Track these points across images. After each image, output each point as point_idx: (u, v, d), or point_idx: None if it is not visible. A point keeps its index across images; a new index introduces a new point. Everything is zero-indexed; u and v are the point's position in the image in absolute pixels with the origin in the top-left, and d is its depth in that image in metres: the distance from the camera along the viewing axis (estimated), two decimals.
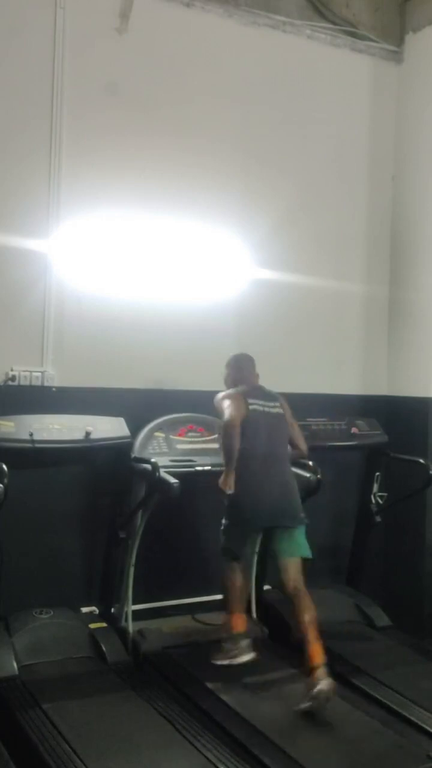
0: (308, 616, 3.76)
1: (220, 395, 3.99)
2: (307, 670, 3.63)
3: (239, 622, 4.05)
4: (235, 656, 3.95)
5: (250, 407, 3.92)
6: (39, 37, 4.25)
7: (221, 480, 3.84)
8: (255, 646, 4.05)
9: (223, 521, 3.96)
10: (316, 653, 3.66)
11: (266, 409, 3.98)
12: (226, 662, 3.94)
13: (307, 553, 3.92)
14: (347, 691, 3.83)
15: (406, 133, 5.36)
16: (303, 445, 4.14)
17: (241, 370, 4.14)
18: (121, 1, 4.42)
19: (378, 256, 5.39)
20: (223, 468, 3.87)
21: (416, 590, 5.02)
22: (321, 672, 3.59)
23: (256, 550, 4.40)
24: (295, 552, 3.91)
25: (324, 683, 3.55)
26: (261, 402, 3.98)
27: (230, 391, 4.02)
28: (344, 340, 5.29)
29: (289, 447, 4.08)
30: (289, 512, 3.90)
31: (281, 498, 3.88)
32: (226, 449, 3.83)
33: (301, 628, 3.75)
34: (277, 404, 4.05)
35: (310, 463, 4.23)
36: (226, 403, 3.90)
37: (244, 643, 4.00)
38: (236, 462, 3.81)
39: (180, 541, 4.53)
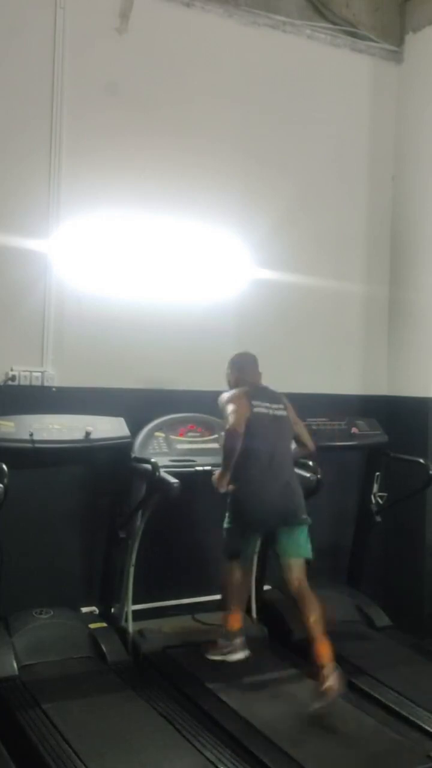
0: (314, 615, 3.75)
1: (225, 396, 3.97)
2: (316, 669, 3.62)
3: (235, 620, 4.05)
4: (229, 653, 3.97)
5: (255, 409, 3.90)
6: (39, 37, 4.25)
7: (215, 477, 3.85)
8: (251, 645, 4.06)
9: (225, 521, 3.96)
10: (324, 651, 3.65)
11: (271, 411, 3.96)
12: (218, 658, 3.97)
13: (308, 554, 3.93)
14: (347, 691, 3.83)
15: (406, 133, 5.36)
16: (310, 442, 4.14)
17: (244, 370, 4.11)
18: (121, 1, 4.42)
19: (378, 256, 5.39)
20: (218, 467, 3.87)
21: (416, 590, 5.03)
22: (329, 668, 3.59)
23: (257, 550, 4.39)
24: (298, 552, 3.91)
25: (332, 679, 3.55)
26: (266, 404, 3.96)
27: (235, 391, 3.98)
28: (344, 340, 5.29)
29: (294, 445, 4.08)
30: (292, 512, 3.89)
31: (284, 498, 3.88)
32: (226, 452, 3.83)
33: (308, 627, 3.75)
34: (282, 406, 4.02)
35: (311, 463, 4.23)
36: (230, 408, 3.87)
37: (238, 641, 4.01)
38: (239, 463, 3.81)
39: (180, 541, 4.53)
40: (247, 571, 4.28)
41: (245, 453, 3.82)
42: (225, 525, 3.97)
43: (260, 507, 3.84)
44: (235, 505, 3.90)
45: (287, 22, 4.98)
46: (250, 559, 4.28)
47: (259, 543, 4.34)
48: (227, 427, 3.84)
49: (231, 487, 3.86)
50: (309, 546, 3.93)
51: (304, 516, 3.93)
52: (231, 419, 3.84)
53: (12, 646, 3.77)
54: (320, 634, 3.71)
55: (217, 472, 3.87)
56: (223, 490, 3.85)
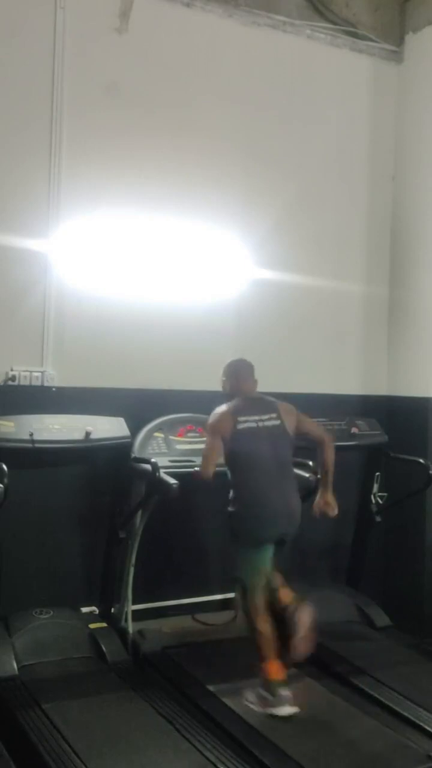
0: (279, 584, 3.74)
1: (210, 420, 3.88)
2: (288, 617, 3.61)
3: (275, 670, 3.61)
4: (273, 706, 3.53)
5: (240, 426, 3.80)
6: (39, 37, 4.25)
7: (195, 472, 3.84)
8: (252, 645, 3.68)
9: (240, 552, 3.82)
10: (286, 595, 3.68)
11: (260, 423, 3.85)
12: (260, 710, 3.55)
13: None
14: (347, 691, 3.83)
15: (406, 133, 5.36)
16: (325, 437, 4.06)
17: (238, 378, 4.03)
18: (121, 1, 4.42)
19: (378, 256, 5.39)
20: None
21: (416, 590, 5.02)
22: (293, 604, 3.61)
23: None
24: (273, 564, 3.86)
25: (301, 611, 3.57)
26: (255, 417, 3.85)
27: (218, 414, 3.87)
28: (344, 340, 5.29)
29: (295, 451, 4.02)
30: (291, 528, 3.85)
31: (285, 512, 3.80)
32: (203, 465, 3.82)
33: (274, 595, 3.72)
34: (274, 415, 3.90)
35: (310, 463, 4.21)
36: (206, 443, 3.85)
37: (285, 692, 3.55)
38: (237, 481, 3.79)
39: (180, 541, 4.53)
40: (271, 597, 3.80)
41: (240, 470, 3.79)
42: (239, 554, 3.81)
43: (266, 527, 3.76)
44: (239, 529, 3.81)
45: (287, 22, 4.98)
46: (270, 576, 3.84)
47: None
48: (201, 459, 3.82)
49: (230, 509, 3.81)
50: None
51: (295, 530, 3.87)
52: (202, 460, 3.81)
53: (12, 646, 3.77)
54: (281, 586, 3.73)
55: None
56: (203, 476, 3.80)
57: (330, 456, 4.05)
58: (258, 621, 3.67)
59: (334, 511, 4.05)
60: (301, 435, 4.01)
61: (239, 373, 4.05)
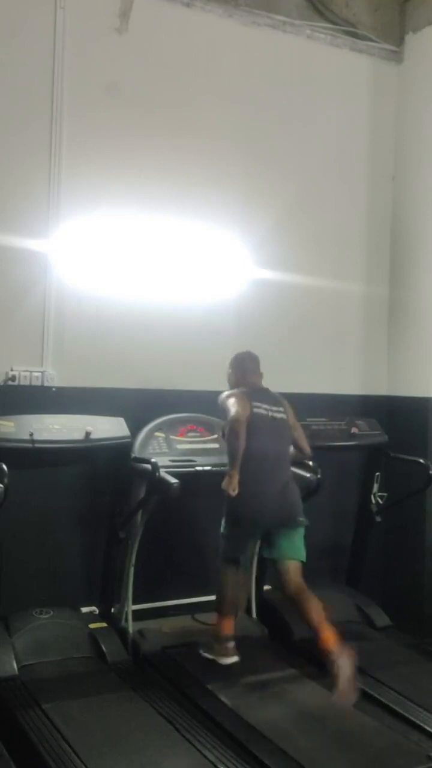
0: (316, 614, 3.75)
1: (225, 393, 3.96)
2: (325, 660, 3.65)
3: (228, 626, 4.03)
4: (221, 656, 3.98)
5: (255, 410, 3.88)
6: (39, 37, 4.25)
7: (225, 482, 3.78)
8: (251, 645, 4.11)
9: (222, 526, 3.95)
10: (329, 639, 3.67)
11: (270, 413, 3.94)
12: (210, 657, 3.99)
13: (303, 556, 3.93)
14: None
15: (406, 133, 5.36)
16: (307, 448, 4.12)
17: (245, 371, 4.08)
18: (121, 1, 4.42)
19: (378, 256, 5.39)
20: (224, 468, 3.86)
21: (416, 590, 5.02)
22: (336, 651, 3.61)
23: (255, 552, 4.38)
24: (294, 554, 3.91)
25: (342, 659, 3.57)
26: (266, 406, 3.94)
27: (235, 390, 3.97)
28: (344, 340, 5.29)
29: (292, 449, 4.06)
30: (289, 514, 3.90)
31: (281, 500, 3.87)
32: (232, 448, 3.77)
33: (313, 626, 3.75)
34: (281, 409, 4.01)
35: (310, 463, 4.23)
36: (232, 401, 3.86)
37: (230, 645, 4.01)
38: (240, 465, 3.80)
39: (180, 542, 4.53)
40: (246, 575, 4.28)
41: (243, 454, 3.81)
42: (222, 530, 3.96)
43: (257, 509, 3.83)
44: (232, 508, 3.87)
45: (287, 22, 4.98)
46: (249, 563, 4.27)
47: (258, 545, 4.32)
48: (229, 417, 3.79)
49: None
50: (303, 549, 3.94)
51: (301, 518, 3.92)
52: (232, 411, 3.80)
53: (12, 646, 3.77)
54: (325, 628, 3.71)
55: (226, 476, 3.79)
56: (234, 492, 3.74)
57: (298, 458, 4.13)
58: (228, 579, 4.00)
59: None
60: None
61: (246, 366, 4.11)
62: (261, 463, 3.83)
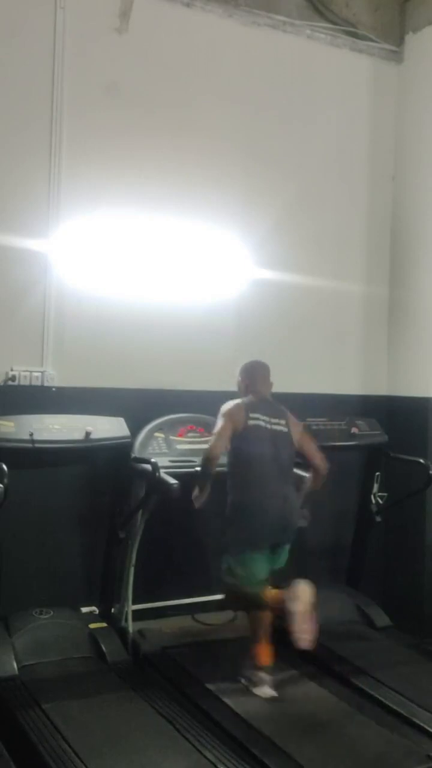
0: (298, 602, 3.67)
1: (223, 408, 3.92)
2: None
3: (262, 655, 3.82)
4: (254, 686, 3.75)
5: (251, 422, 3.85)
6: (39, 37, 4.25)
7: (194, 494, 3.85)
8: (244, 646, 3.87)
9: (230, 552, 3.87)
10: (276, 595, 3.68)
11: (269, 425, 3.90)
12: (245, 683, 3.78)
13: (284, 563, 3.96)
14: (347, 691, 3.83)
15: (406, 133, 5.36)
16: (318, 461, 4.04)
17: (254, 379, 4.06)
18: (121, 1, 4.42)
19: (378, 256, 5.39)
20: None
21: (416, 590, 5.02)
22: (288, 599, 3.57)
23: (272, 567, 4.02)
24: (277, 566, 3.93)
25: (294, 603, 3.53)
26: (265, 417, 3.90)
27: (233, 404, 3.93)
28: (344, 340, 5.29)
29: (304, 472, 4.06)
30: (286, 533, 3.89)
31: (281, 515, 3.83)
32: (200, 473, 3.84)
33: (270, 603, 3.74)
34: (282, 421, 3.95)
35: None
36: (218, 425, 3.86)
37: (266, 678, 3.75)
38: (236, 475, 3.83)
39: (180, 541, 4.53)
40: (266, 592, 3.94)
41: (241, 469, 3.82)
42: (231, 554, 3.87)
43: (260, 522, 3.79)
44: (234, 525, 3.84)
45: (287, 22, 4.98)
46: (267, 581, 3.92)
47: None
48: (207, 447, 3.85)
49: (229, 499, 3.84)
50: (286, 557, 3.96)
51: (294, 536, 3.92)
52: (212, 440, 3.85)
53: (12, 646, 3.77)
54: (270, 593, 3.74)
55: (197, 487, 3.85)
56: (197, 504, 3.85)
57: (317, 483, 4.09)
58: (252, 602, 3.82)
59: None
60: (301, 452, 4.05)
61: (255, 375, 4.09)
62: (258, 476, 3.81)
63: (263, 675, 3.75)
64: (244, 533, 3.82)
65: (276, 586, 3.84)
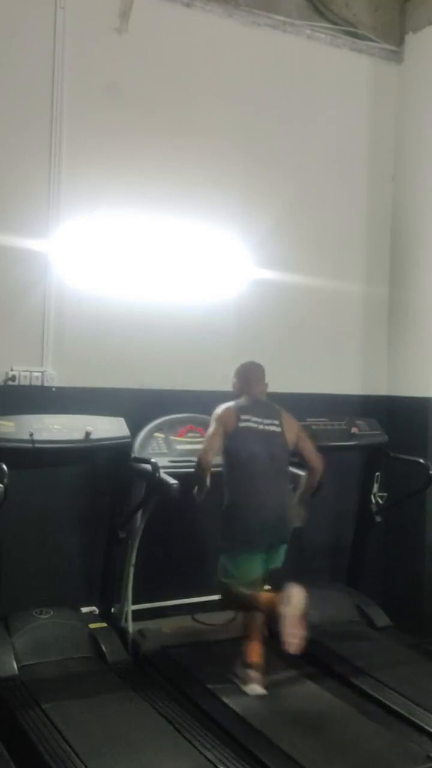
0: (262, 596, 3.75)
1: (215, 413, 3.95)
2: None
3: (252, 652, 3.84)
4: (243, 683, 3.78)
5: (242, 424, 3.87)
6: (39, 37, 4.25)
7: (195, 491, 3.88)
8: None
9: (223, 554, 3.91)
10: (271, 599, 3.69)
11: (261, 426, 3.91)
12: (236, 680, 3.80)
13: (281, 563, 3.97)
14: (347, 691, 3.83)
15: (406, 133, 5.36)
16: (315, 461, 4.05)
17: (248, 381, 4.07)
18: (121, 1, 4.42)
19: (378, 256, 5.39)
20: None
21: (416, 590, 5.02)
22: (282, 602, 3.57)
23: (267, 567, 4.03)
24: (274, 566, 3.95)
25: (287, 608, 3.53)
26: (257, 419, 3.91)
27: (224, 408, 3.95)
28: (344, 340, 5.29)
29: (299, 470, 4.06)
30: (281, 533, 3.89)
31: (275, 517, 3.83)
32: (195, 477, 3.86)
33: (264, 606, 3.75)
34: (276, 422, 3.95)
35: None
36: (210, 430, 3.90)
37: (255, 675, 3.77)
38: (229, 477, 3.85)
39: (180, 542, 4.53)
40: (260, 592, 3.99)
41: (235, 470, 3.84)
42: (224, 556, 3.91)
43: (253, 522, 3.80)
44: (228, 525, 3.87)
45: (287, 22, 4.98)
46: (262, 580, 3.97)
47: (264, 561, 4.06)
48: (200, 452, 3.89)
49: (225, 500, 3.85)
50: (282, 557, 3.97)
51: (289, 535, 3.92)
52: (203, 445, 3.88)
53: (12, 646, 3.77)
54: (264, 596, 3.76)
55: (197, 488, 3.89)
56: (199, 501, 3.90)
57: (312, 482, 4.10)
58: (245, 602, 3.84)
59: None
60: (298, 451, 4.06)
61: (249, 376, 4.10)
62: (251, 480, 3.82)
63: (252, 673, 3.77)
64: (238, 533, 3.84)
65: (271, 588, 3.84)
